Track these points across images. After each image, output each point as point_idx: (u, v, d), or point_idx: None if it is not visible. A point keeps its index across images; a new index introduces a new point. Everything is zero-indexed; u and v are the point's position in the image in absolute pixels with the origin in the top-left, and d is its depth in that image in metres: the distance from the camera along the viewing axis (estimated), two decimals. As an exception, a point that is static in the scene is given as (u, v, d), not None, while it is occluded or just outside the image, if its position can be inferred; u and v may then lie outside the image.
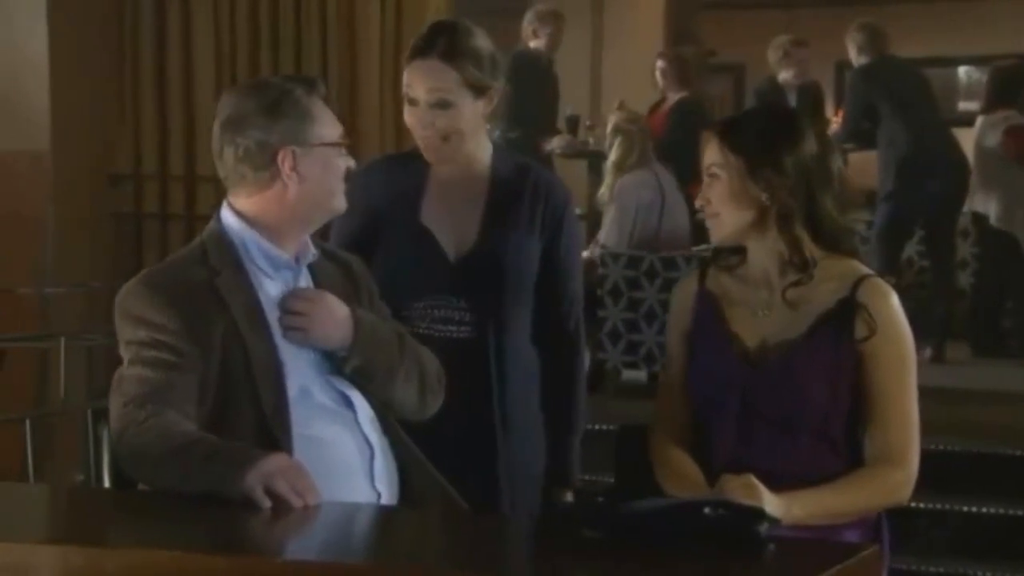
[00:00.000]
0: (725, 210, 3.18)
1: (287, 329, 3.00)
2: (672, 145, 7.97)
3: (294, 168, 2.99)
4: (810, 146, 3.15)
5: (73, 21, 6.86)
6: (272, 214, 3.03)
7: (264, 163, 2.99)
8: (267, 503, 2.64)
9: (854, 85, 8.52)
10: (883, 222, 8.21)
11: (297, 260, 3.08)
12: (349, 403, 3.03)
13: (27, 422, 5.20)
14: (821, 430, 3.13)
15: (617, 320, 6.96)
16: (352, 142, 6.59)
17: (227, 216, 3.06)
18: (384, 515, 2.86)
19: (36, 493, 3.38)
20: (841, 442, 3.14)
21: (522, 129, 8.47)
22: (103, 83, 7.01)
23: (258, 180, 3.01)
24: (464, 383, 3.47)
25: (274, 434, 2.88)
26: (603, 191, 7.58)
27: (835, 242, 3.18)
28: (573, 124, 8.96)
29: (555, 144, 8.65)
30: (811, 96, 9.26)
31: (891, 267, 8.08)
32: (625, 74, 10.37)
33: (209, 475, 2.70)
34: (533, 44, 8.62)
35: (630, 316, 6.91)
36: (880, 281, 3.16)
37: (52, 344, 6.05)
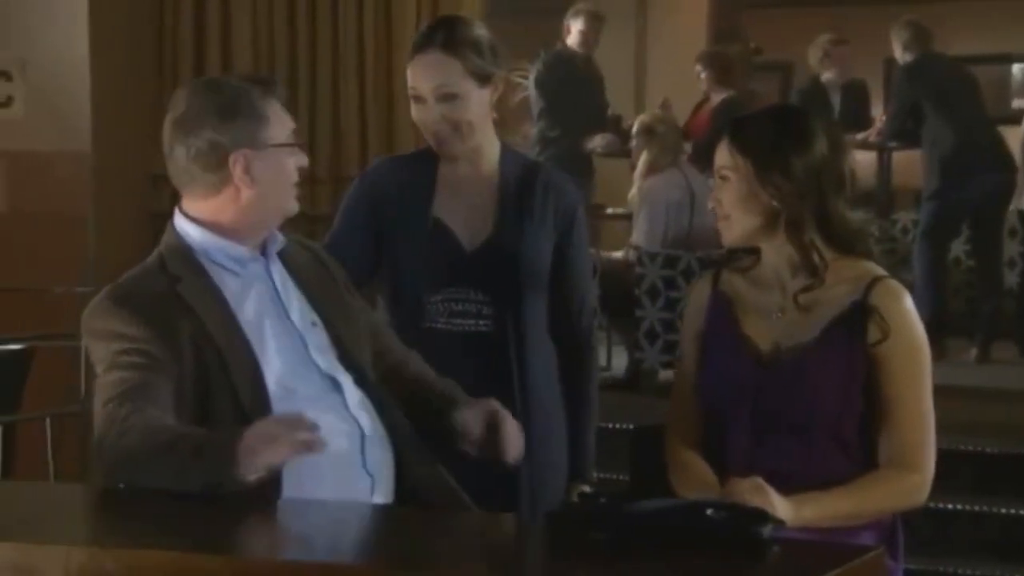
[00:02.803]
0: (735, 213, 3.15)
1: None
2: (715, 145, 7.88)
3: (247, 171, 2.95)
4: (821, 148, 3.10)
5: (114, 23, 6.90)
6: (226, 216, 2.98)
7: (214, 165, 2.95)
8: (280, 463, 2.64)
9: (899, 83, 8.45)
10: (928, 221, 8.15)
11: (264, 252, 3.05)
12: (337, 386, 2.98)
13: (47, 420, 5.23)
14: (834, 433, 3.10)
15: (654, 320, 6.93)
16: (387, 139, 6.68)
17: (181, 223, 3.02)
18: (384, 515, 2.84)
19: (37, 492, 3.39)
20: (854, 445, 3.11)
21: (562, 128, 8.44)
22: (144, 84, 7.03)
23: (208, 182, 2.97)
24: (485, 376, 3.46)
25: None
26: (633, 192, 7.55)
27: (848, 244, 3.14)
28: (615, 123, 8.93)
29: (596, 143, 8.63)
30: (856, 95, 9.20)
31: (937, 266, 8.02)
32: (669, 73, 10.35)
33: (204, 472, 2.65)
34: (571, 43, 8.59)
35: (667, 316, 6.88)
36: (894, 282, 3.12)
37: (77, 343, 6.06)
